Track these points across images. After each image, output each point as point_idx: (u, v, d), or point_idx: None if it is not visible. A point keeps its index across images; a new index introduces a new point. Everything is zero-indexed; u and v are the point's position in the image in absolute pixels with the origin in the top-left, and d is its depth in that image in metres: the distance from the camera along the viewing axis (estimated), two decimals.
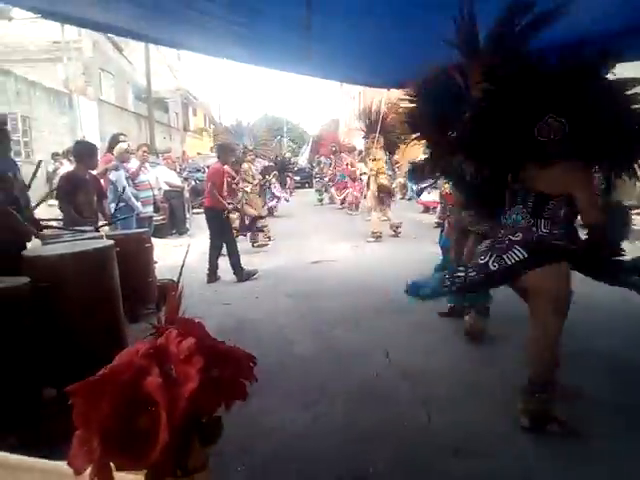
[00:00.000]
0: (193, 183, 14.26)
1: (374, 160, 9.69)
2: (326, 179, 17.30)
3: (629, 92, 2.54)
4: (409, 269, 5.07)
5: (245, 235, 8.56)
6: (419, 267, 4.66)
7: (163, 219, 10.12)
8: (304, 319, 4.75)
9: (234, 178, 8.21)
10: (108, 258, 3.07)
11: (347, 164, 14.75)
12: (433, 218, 11.39)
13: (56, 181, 7.44)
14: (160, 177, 9.99)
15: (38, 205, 4.35)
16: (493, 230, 2.77)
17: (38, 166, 4.31)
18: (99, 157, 6.11)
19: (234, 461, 2.39)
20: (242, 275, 6.38)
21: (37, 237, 3.73)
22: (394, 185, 10.46)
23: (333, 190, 16.25)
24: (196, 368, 0.59)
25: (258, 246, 8.54)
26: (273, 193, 11.59)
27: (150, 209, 7.62)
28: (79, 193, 4.81)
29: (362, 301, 4.88)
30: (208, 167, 9.00)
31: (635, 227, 6.68)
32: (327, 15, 3.69)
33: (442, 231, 4.96)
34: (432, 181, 4.39)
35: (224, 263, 6.45)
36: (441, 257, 4.78)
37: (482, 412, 2.88)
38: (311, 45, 4.45)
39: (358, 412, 2.92)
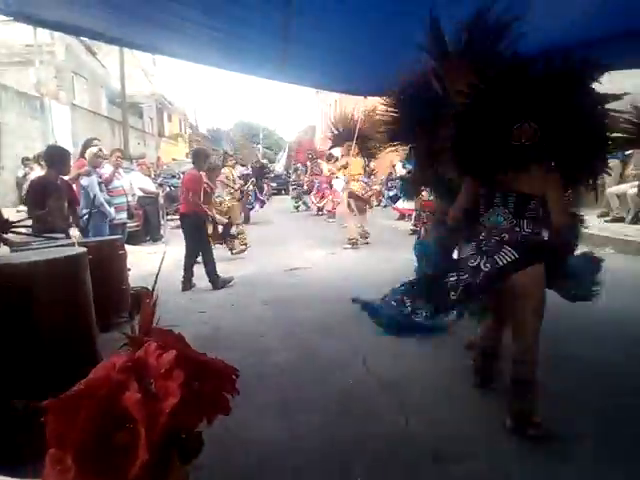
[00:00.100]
0: (168, 189, 14.09)
1: (344, 167, 9.75)
2: (305, 187, 17.29)
3: (605, 106, 2.58)
4: (385, 276, 5.08)
5: (222, 244, 8.47)
6: (394, 275, 4.67)
7: (137, 226, 9.99)
8: (281, 327, 4.71)
9: (209, 185, 8.12)
10: (80, 266, 2.99)
11: (328, 170, 14.72)
12: (408, 225, 11.51)
13: (26, 187, 7.25)
14: (134, 183, 9.85)
15: None
16: (474, 232, 2.77)
17: None
18: (72, 162, 5.97)
19: (213, 476, 2.34)
20: (218, 283, 6.30)
21: (5, 244, 3.61)
22: (370, 193, 10.48)
23: (311, 197, 16.22)
24: (177, 383, 0.57)
25: (236, 253, 8.45)
26: (257, 197, 11.60)
27: (124, 215, 7.49)
28: (49, 199, 4.65)
29: (338, 307, 4.86)
30: (183, 173, 8.89)
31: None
32: (304, 24, 3.71)
33: (418, 238, 5.00)
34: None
35: (199, 270, 6.37)
36: (415, 264, 4.80)
37: (460, 415, 2.89)
38: (287, 52, 4.46)
39: (337, 421, 2.91)
